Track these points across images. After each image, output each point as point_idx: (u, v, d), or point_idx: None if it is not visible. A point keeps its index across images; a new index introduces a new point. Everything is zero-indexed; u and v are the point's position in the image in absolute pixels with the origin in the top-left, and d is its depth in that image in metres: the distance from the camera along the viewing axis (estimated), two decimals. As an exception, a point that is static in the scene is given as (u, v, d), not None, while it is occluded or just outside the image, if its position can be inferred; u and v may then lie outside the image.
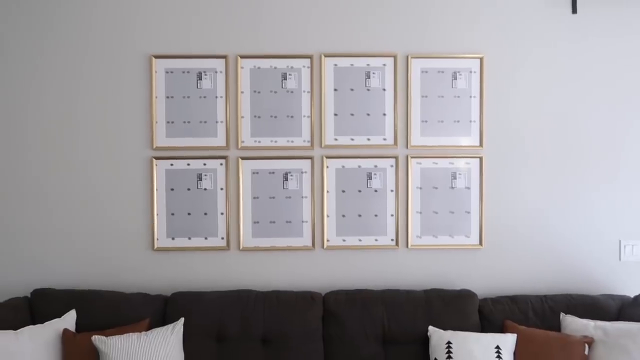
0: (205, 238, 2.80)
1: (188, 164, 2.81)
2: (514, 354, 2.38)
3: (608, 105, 2.82)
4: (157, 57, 2.79)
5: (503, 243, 2.83)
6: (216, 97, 2.82)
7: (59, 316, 2.45)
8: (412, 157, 2.82)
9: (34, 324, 2.40)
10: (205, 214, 2.81)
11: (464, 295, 2.63)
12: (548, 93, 2.82)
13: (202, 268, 2.80)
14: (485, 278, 2.82)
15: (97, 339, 2.26)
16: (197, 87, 2.82)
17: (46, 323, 2.37)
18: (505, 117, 2.82)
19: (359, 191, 2.82)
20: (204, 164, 2.81)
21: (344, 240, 2.82)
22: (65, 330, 2.35)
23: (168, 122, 2.81)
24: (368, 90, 2.82)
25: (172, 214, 2.80)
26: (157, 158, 2.80)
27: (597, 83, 2.82)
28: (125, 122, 2.80)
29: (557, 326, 2.53)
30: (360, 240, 2.82)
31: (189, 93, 2.81)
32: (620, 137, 2.82)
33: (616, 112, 2.82)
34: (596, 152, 2.83)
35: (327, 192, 2.82)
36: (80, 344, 2.30)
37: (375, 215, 2.82)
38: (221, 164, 2.81)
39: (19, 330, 2.27)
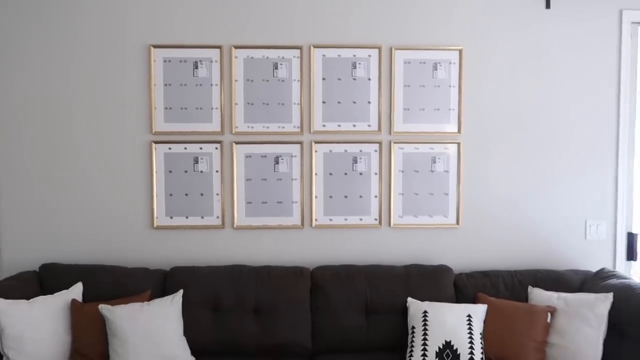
0: (202, 217, 3.00)
1: (185, 148, 2.99)
2: (484, 322, 2.61)
3: (577, 96, 3.03)
4: (155, 47, 2.95)
5: (478, 223, 3.05)
6: (211, 85, 2.99)
7: (67, 288, 2.64)
8: (394, 143, 3.01)
9: (43, 295, 2.60)
10: (202, 194, 3.00)
11: (441, 270, 2.85)
12: (521, 84, 3.02)
13: (198, 245, 3.00)
14: (461, 255, 3.05)
15: (104, 308, 2.46)
16: (194, 75, 2.98)
17: (55, 294, 2.57)
18: (482, 105, 3.02)
19: (345, 174, 3.02)
20: (200, 148, 2.99)
21: (330, 220, 3.02)
22: (74, 300, 2.55)
23: (166, 108, 2.98)
24: (354, 79, 3.01)
25: (171, 195, 2.99)
26: (156, 142, 2.98)
27: (567, 75, 3.02)
28: (126, 109, 2.97)
29: (525, 298, 2.76)
30: (346, 219, 3.02)
31: (186, 81, 2.98)
32: (587, 125, 3.03)
33: (584, 103, 3.03)
34: (565, 139, 3.04)
35: (316, 174, 3.01)
36: (88, 313, 2.50)
37: (360, 197, 3.02)
38: (216, 148, 2.99)
39: (31, 300, 2.47)
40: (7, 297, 2.42)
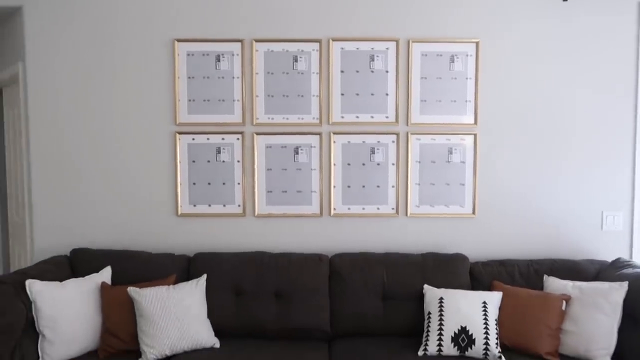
0: (224, 205, 3.10)
1: (208, 139, 3.09)
2: (499, 309, 2.66)
3: (594, 89, 3.05)
4: (179, 40, 3.05)
5: (494, 213, 3.10)
6: (233, 77, 3.08)
7: (96, 272, 2.77)
8: (412, 134, 3.07)
9: (74, 278, 2.72)
10: (224, 183, 3.10)
11: (457, 258, 2.90)
12: (538, 76, 3.05)
13: (221, 232, 3.11)
14: (477, 244, 3.10)
15: (132, 290, 2.57)
16: (216, 68, 3.08)
17: (86, 277, 2.69)
18: (498, 97, 3.06)
19: (363, 164, 3.09)
20: (222, 139, 3.09)
21: (349, 209, 3.10)
22: (103, 283, 2.68)
23: (190, 100, 3.09)
24: (372, 72, 3.07)
25: (194, 184, 3.10)
26: (180, 133, 3.08)
27: (584, 68, 3.04)
28: (152, 100, 3.08)
29: (540, 287, 2.80)
30: (363, 208, 3.10)
31: (209, 74, 3.08)
32: (604, 118, 3.05)
33: (601, 95, 3.05)
34: (582, 130, 3.06)
35: (334, 165, 3.09)
36: (117, 295, 2.62)
37: (378, 186, 3.09)
38: (238, 139, 3.09)
39: (63, 282, 2.60)
40: (41, 279, 2.54)
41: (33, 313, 2.44)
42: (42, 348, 2.41)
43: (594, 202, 3.09)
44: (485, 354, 2.48)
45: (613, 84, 3.04)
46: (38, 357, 2.41)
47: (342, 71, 3.06)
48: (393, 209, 3.09)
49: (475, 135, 3.06)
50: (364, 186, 3.09)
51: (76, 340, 2.48)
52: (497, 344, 2.50)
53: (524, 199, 3.09)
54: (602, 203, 3.09)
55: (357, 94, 3.08)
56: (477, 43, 3.03)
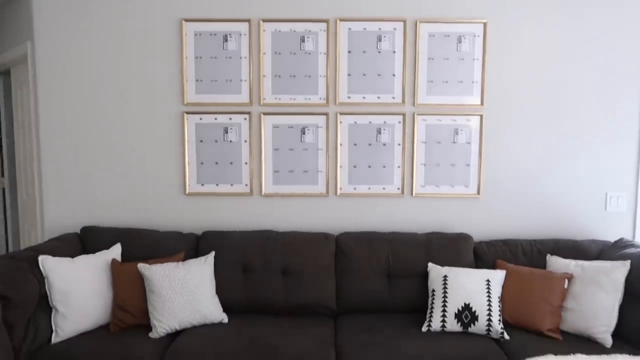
0: (231, 184, 3.14)
1: (215, 119, 3.12)
2: (503, 286, 2.70)
3: (600, 71, 3.04)
4: (187, 20, 3.06)
5: (499, 193, 3.13)
6: (240, 57, 3.09)
7: (106, 249, 2.82)
8: (418, 114, 3.09)
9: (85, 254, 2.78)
10: (231, 163, 3.13)
11: (461, 238, 2.94)
12: (544, 58, 3.05)
13: (228, 211, 3.15)
14: (482, 224, 3.13)
15: (142, 266, 2.63)
16: (223, 48, 3.09)
17: (97, 253, 2.74)
18: (505, 79, 3.07)
19: (369, 144, 3.11)
20: (230, 119, 3.12)
21: (355, 188, 3.13)
22: (114, 260, 2.73)
23: (197, 80, 3.10)
24: (379, 52, 3.08)
25: (202, 163, 3.13)
26: (187, 113, 3.11)
27: (590, 52, 3.04)
28: (160, 80, 3.10)
29: (543, 266, 2.84)
30: (369, 188, 3.13)
31: (216, 54, 3.09)
32: (610, 100, 3.06)
33: (607, 77, 3.05)
34: (588, 112, 3.07)
35: (341, 145, 3.11)
36: (127, 271, 2.67)
37: (384, 167, 3.12)
38: (245, 119, 3.11)
39: (75, 258, 2.65)
40: (53, 256, 2.59)
41: (46, 288, 2.49)
42: (56, 322, 2.47)
43: (599, 183, 3.11)
44: (488, 330, 2.53)
45: (621, 66, 3.04)
46: (51, 331, 2.48)
47: (349, 51, 3.07)
48: (399, 189, 3.12)
49: (481, 116, 3.08)
50: (370, 166, 3.12)
51: (88, 314, 2.54)
52: (499, 320, 2.55)
53: (528, 179, 3.12)
54: (607, 184, 3.11)
55: (364, 75, 3.09)
56: (484, 24, 3.02)
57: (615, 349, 2.41)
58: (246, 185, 3.14)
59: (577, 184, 3.11)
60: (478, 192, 3.12)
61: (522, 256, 2.89)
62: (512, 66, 3.06)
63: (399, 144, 3.11)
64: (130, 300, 2.60)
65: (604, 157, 3.09)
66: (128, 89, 3.10)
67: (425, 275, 2.84)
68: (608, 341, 2.46)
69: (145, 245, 2.89)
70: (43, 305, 2.48)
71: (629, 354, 2.29)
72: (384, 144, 3.11)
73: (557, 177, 3.11)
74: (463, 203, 3.14)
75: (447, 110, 3.09)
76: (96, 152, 3.13)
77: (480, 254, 2.92)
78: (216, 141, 3.13)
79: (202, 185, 3.14)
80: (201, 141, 3.13)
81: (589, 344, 2.45)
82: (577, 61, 3.04)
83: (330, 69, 3.07)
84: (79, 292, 2.53)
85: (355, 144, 3.11)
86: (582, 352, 2.32)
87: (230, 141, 3.12)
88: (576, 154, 3.10)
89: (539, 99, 3.07)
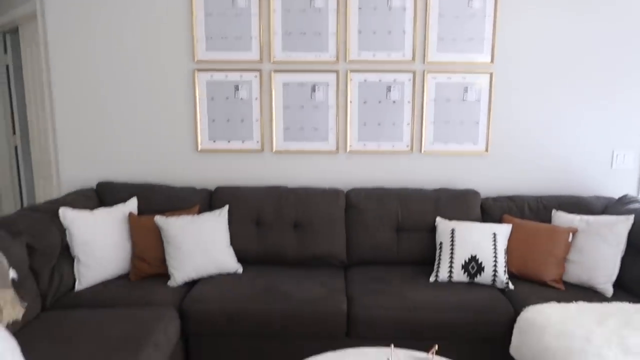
0: (242, 141, 3.19)
1: (226, 76, 3.14)
2: (509, 240, 2.78)
3: (609, 27, 3.03)
4: (197, -25, 3.04)
5: (507, 150, 3.17)
6: (250, 14, 3.08)
7: (123, 203, 2.90)
8: (428, 72, 3.10)
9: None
10: (242, 120, 3.17)
11: (469, 193, 3.01)
12: (555, 17, 3.03)
13: (240, 167, 3.21)
14: (489, 181, 3.19)
15: (159, 219, 2.71)
16: (233, 4, 3.08)
17: (114, 206, 2.82)
18: (515, 36, 3.06)
19: (379, 102, 3.14)
20: (240, 76, 3.14)
21: (364, 145, 3.18)
22: (131, 213, 2.81)
23: (207, 38, 3.11)
24: (389, 9, 3.06)
25: (213, 121, 3.17)
26: (198, 70, 3.13)
27: (601, 17, 3.02)
28: (171, 37, 3.10)
29: (548, 221, 2.91)
30: (379, 145, 3.17)
31: (226, 10, 3.08)
32: (619, 56, 3.06)
33: (617, 33, 3.04)
34: (596, 70, 3.08)
35: (351, 102, 3.14)
36: (144, 224, 2.75)
37: (393, 124, 3.16)
38: (255, 76, 3.13)
39: (94, 211, 2.73)
40: (72, 208, 2.67)
41: (67, 239, 2.58)
42: (78, 270, 2.57)
43: (605, 141, 3.15)
44: (494, 280, 2.63)
45: (630, 21, 3.03)
46: (74, 279, 2.58)
47: (359, 8, 3.06)
48: (408, 146, 3.17)
49: (491, 74, 3.09)
50: (379, 124, 3.16)
51: (109, 264, 2.63)
52: (505, 271, 2.64)
53: (536, 137, 3.15)
54: (613, 141, 3.15)
55: (374, 32, 3.08)
56: (496, -21, 3.00)
57: (616, 298, 2.50)
58: (257, 142, 3.18)
59: (584, 142, 3.15)
60: (486, 150, 3.16)
61: (528, 211, 2.96)
62: (523, 25, 3.05)
63: (409, 102, 3.13)
64: (148, 251, 2.69)
65: (610, 114, 3.12)
66: (139, 46, 3.11)
67: (433, 229, 2.92)
68: (609, 291, 2.55)
69: (160, 200, 2.97)
70: (65, 256, 2.58)
71: (629, 302, 2.39)
72: (394, 102, 3.14)
73: (564, 135, 3.15)
74: (471, 160, 3.18)
75: (457, 68, 3.10)
76: (109, 110, 3.17)
77: (487, 209, 2.99)
78: (227, 98, 3.15)
79: (214, 142, 3.19)
80: (212, 99, 3.16)
81: (590, 293, 2.55)
82: (587, 20, 3.02)
83: (340, 26, 3.07)
84: (99, 243, 2.62)
85: (365, 102, 3.14)
86: (583, 301, 2.43)
87: (241, 98, 3.15)
88: (584, 111, 3.12)
89: (549, 57, 3.07)
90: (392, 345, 1.89)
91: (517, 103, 3.12)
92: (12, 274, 2.17)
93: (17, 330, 2.13)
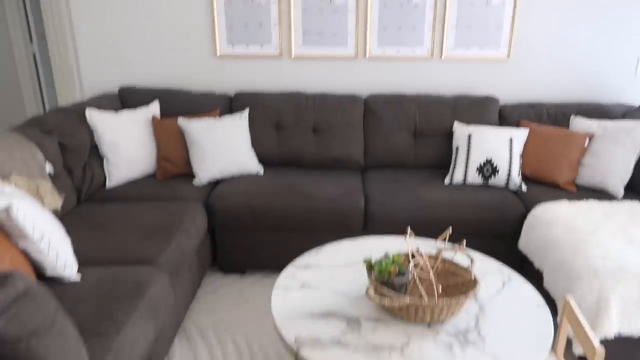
0: (261, 46, 3.16)
1: (244, -23, 3.06)
2: (525, 145, 2.82)
3: None
4: None
5: (529, 56, 3.12)
6: None
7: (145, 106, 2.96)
8: (452, -28, 2.99)
9: (126, 111, 2.93)
10: (260, 24, 3.13)
11: (488, 100, 3.01)
12: None
13: (258, 73, 3.21)
14: (509, 88, 3.17)
15: (182, 121, 2.78)
16: None
17: (137, 109, 2.89)
18: None
19: (401, 5, 3.06)
20: (258, -22, 3.06)
21: (384, 51, 3.14)
22: (154, 116, 2.88)
23: None
24: None
25: (231, 25, 3.14)
26: (215, -29, 3.05)
27: None
28: None
29: (567, 127, 2.92)
30: (398, 51, 3.14)
31: None
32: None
33: None
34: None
35: (371, 6, 3.07)
36: (167, 126, 2.83)
37: (414, 28, 3.09)
38: (274, -23, 3.05)
39: (119, 112, 2.80)
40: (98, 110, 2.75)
41: (95, 139, 2.68)
42: (108, 169, 2.70)
43: (630, 47, 3.07)
44: (507, 182, 2.70)
45: None
46: (105, 177, 2.71)
47: None
48: (428, 51, 3.13)
49: (517, -26, 2.97)
50: (400, 28, 3.10)
51: (136, 163, 2.75)
52: (519, 174, 2.71)
53: (559, 42, 3.08)
54: (638, 48, 3.07)
55: None
56: None
57: (626, 199, 2.57)
58: (276, 47, 3.16)
59: (608, 48, 3.08)
60: (508, 55, 3.11)
61: (546, 117, 2.97)
62: None
63: (431, 6, 3.05)
64: (173, 152, 2.79)
65: (636, 20, 3.01)
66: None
67: (450, 134, 2.96)
68: (620, 192, 2.62)
69: (182, 104, 3.02)
70: (95, 156, 2.69)
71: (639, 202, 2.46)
72: (416, 5, 3.06)
73: (589, 41, 3.07)
74: (492, 67, 3.15)
75: (483, -32, 2.98)
76: (132, 17, 3.14)
77: (506, 115, 3.00)
78: (244, 1, 3.09)
79: (233, 46, 3.17)
80: (230, 1, 3.10)
81: (601, 194, 2.62)
82: None
83: None
84: (126, 143, 2.72)
85: (385, 5, 3.06)
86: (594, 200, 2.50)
87: (259, 2, 3.09)
88: (608, 17, 3.02)
89: (581, -45, 2.93)
90: (409, 228, 1.98)
91: (542, 7, 3.02)
92: (49, 168, 2.30)
93: (58, 219, 2.29)
